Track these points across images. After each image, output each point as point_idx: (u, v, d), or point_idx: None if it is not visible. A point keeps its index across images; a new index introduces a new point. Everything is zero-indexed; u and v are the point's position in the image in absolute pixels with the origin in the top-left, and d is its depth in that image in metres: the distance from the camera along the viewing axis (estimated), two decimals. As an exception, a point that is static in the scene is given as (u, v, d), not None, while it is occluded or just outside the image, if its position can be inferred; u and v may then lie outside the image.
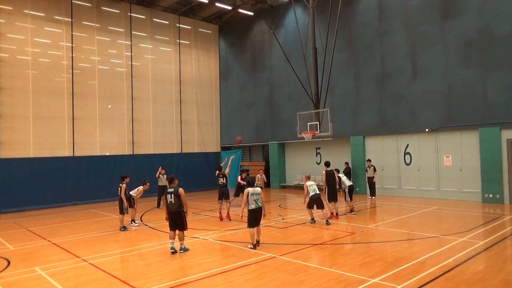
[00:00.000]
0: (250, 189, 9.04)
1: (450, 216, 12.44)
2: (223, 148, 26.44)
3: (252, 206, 8.98)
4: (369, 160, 17.33)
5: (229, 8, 22.95)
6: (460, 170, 15.75)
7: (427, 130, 16.50)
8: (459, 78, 15.55)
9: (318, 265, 7.38)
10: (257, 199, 9.03)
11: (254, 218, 8.98)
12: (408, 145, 17.47)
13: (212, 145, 25.96)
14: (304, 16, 20.35)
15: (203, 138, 25.35)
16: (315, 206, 11.52)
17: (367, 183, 17.26)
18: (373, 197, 16.91)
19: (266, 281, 6.57)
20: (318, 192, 11.60)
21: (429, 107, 16.46)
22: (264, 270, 7.16)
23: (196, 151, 24.80)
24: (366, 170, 17.19)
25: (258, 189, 9.18)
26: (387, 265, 7.20)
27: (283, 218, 12.88)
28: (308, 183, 11.70)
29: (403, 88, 17.29)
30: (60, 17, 19.28)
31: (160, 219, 13.70)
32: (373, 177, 16.86)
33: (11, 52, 17.76)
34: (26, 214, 16.33)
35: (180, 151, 23.92)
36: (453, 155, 16.03)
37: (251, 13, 23.85)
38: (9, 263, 8.35)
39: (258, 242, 9.05)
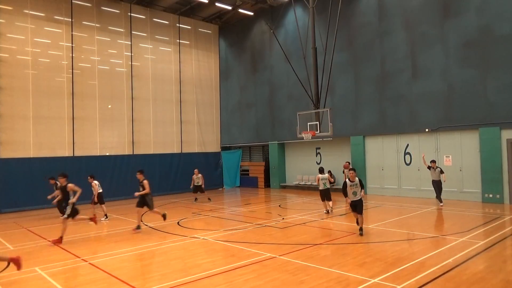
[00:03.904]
0: (320, 176, 13.41)
1: (450, 216, 12.44)
2: (223, 148, 26.45)
3: (321, 187, 13.39)
4: (433, 161, 14.59)
5: (229, 8, 22.94)
6: (460, 170, 15.75)
7: (427, 130, 16.50)
8: (459, 78, 15.55)
9: (318, 265, 7.37)
10: (325, 182, 13.40)
11: (324, 195, 13.47)
12: (408, 145, 17.47)
13: (212, 145, 25.96)
14: (304, 16, 20.35)
15: (203, 138, 25.35)
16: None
17: (433, 187, 14.65)
18: (441, 203, 14.42)
19: (266, 281, 6.56)
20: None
21: (429, 107, 16.46)
22: (264, 270, 7.15)
23: (196, 151, 24.80)
24: (428, 168, 14.58)
25: (326, 175, 13.49)
26: (387, 265, 7.19)
27: (283, 218, 12.88)
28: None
29: (403, 88, 17.29)
30: (60, 17, 19.27)
31: (159, 219, 13.69)
32: (439, 180, 14.35)
33: (11, 52, 17.76)
34: (26, 214, 16.33)
35: (180, 151, 23.92)
36: (453, 155, 16.03)
37: (251, 13, 23.84)
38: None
39: (330, 210, 13.51)
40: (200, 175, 18.45)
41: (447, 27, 15.88)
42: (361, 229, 10.02)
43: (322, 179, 13.40)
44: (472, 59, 15.21)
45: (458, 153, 15.89)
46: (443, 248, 8.37)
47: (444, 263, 7.22)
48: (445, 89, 15.95)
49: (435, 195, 14.67)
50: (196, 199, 18.44)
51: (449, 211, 13.21)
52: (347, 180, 10.02)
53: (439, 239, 9.30)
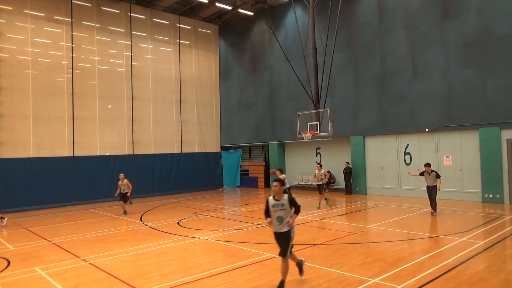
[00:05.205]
0: (284, 175, 14.37)
1: (450, 216, 12.43)
2: (223, 148, 26.45)
3: (288, 186, 13.94)
4: (428, 165, 12.66)
5: (229, 8, 22.94)
6: (460, 170, 15.75)
7: (427, 130, 16.50)
8: (459, 78, 15.55)
9: (318, 265, 7.37)
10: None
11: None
12: (408, 145, 17.46)
13: (212, 145, 25.96)
14: (304, 16, 20.35)
15: (203, 138, 25.35)
16: None
17: (427, 194, 12.79)
18: (434, 212, 12.59)
19: (266, 281, 6.57)
20: None
21: (429, 107, 16.46)
22: (264, 270, 7.16)
23: (196, 151, 24.81)
24: (421, 174, 12.87)
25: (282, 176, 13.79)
26: (387, 265, 7.20)
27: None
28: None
29: (403, 88, 17.28)
30: (60, 17, 19.27)
31: (159, 219, 13.70)
32: (435, 186, 12.46)
33: (11, 52, 17.75)
34: (26, 214, 16.33)
35: (180, 151, 23.92)
36: (453, 155, 16.03)
37: (251, 13, 23.84)
38: (9, 263, 8.36)
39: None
40: (126, 180, 15.03)
41: (447, 27, 15.87)
42: (281, 283, 6.10)
43: (286, 178, 14.59)
44: (472, 59, 15.21)
45: (458, 153, 15.89)
46: (443, 248, 8.37)
47: (444, 263, 7.23)
48: (445, 89, 15.95)
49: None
50: (125, 211, 15.13)
51: (449, 211, 13.20)
52: (270, 197, 6.45)
53: (439, 239, 9.31)
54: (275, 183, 6.33)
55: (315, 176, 15.49)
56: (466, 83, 15.35)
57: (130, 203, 15.40)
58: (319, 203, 15.28)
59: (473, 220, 11.54)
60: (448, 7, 15.86)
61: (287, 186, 14.94)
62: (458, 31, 15.56)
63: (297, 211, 6.31)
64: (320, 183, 15.25)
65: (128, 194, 14.88)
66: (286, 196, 6.29)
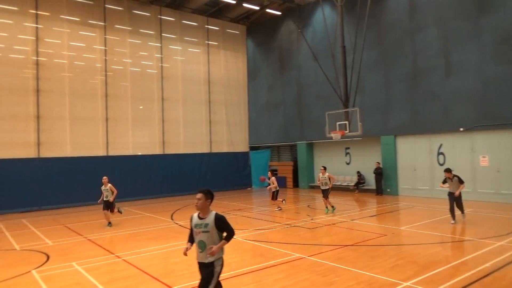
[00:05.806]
0: (274, 177, 15.29)
1: (486, 219, 11.95)
2: (252, 148, 26.56)
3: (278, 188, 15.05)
4: (448, 171, 11.51)
5: (257, 8, 23.01)
6: (498, 171, 15.09)
7: (461, 129, 15.93)
8: (494, 75, 14.91)
9: (348, 266, 7.28)
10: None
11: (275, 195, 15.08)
12: (441, 145, 16.92)
13: (241, 145, 26.12)
14: (332, 14, 20.12)
15: (232, 137, 25.55)
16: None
17: (449, 200, 11.40)
18: (453, 220, 11.31)
19: (295, 281, 6.56)
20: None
21: (463, 105, 15.88)
22: (293, 271, 7.14)
23: (225, 151, 25.04)
24: (444, 182, 11.62)
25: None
26: (420, 269, 7.02)
27: (312, 219, 12.81)
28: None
29: (436, 86, 16.76)
30: (94, 21, 19.96)
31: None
32: (454, 192, 11.29)
33: (48, 56, 18.56)
34: (64, 211, 17.03)
35: (209, 151, 24.22)
36: (490, 155, 15.38)
37: (279, 13, 23.81)
38: (48, 257, 8.76)
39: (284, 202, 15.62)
40: (110, 185, 12.68)
41: (482, 23, 15.25)
42: None
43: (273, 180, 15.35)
44: (508, 55, 14.54)
45: (495, 153, 15.22)
46: (479, 252, 8.07)
47: (481, 267, 6.97)
48: (479, 87, 15.34)
49: (470, 196, 13.43)
50: (109, 223, 12.73)
51: (486, 214, 12.70)
52: (194, 214, 4.98)
53: (475, 242, 8.98)
54: (198, 196, 4.74)
55: (319, 180, 14.02)
56: (502, 80, 14.71)
57: (119, 212, 13.12)
58: (326, 207, 14.03)
59: (511, 224, 11.04)
60: (483, 2, 15.25)
61: (278, 189, 15.16)
62: (494, 26, 14.92)
63: (228, 237, 4.72)
64: (325, 187, 13.84)
65: (111, 199, 12.58)
66: (213, 214, 4.74)
